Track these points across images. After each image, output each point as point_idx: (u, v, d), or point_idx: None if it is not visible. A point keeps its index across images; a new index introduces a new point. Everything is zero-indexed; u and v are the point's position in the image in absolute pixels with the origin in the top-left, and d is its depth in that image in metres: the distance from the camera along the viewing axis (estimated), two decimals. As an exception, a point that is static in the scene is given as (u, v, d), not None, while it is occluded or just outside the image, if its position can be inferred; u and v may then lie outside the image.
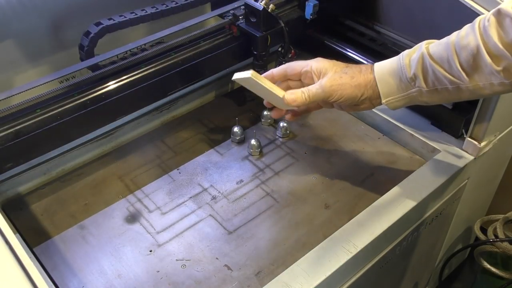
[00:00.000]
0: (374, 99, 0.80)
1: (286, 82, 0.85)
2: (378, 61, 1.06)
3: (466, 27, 0.71)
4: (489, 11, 0.86)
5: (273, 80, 0.84)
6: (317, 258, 0.76)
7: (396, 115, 1.02)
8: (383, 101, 0.79)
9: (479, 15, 0.87)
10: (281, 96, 0.81)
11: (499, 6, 0.67)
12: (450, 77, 0.72)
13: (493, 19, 0.67)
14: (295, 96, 0.79)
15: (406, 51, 0.77)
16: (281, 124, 1.01)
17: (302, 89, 0.80)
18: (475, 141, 0.94)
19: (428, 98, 0.76)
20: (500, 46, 0.66)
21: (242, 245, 0.82)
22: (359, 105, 0.81)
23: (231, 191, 0.91)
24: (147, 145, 1.01)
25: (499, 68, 0.68)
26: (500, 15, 0.67)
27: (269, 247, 0.81)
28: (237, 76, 0.82)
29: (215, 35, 1.02)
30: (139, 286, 0.76)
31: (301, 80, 0.84)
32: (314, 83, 0.81)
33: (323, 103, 0.84)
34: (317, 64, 0.81)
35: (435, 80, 0.73)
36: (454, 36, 0.72)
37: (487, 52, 0.68)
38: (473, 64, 0.70)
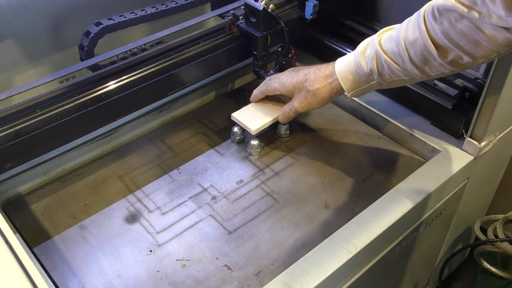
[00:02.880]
0: (341, 93, 0.88)
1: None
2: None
3: (414, 18, 0.73)
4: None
5: (258, 100, 1.01)
6: (317, 258, 0.76)
7: (396, 115, 1.02)
8: (348, 95, 0.86)
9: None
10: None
11: (441, 1, 0.68)
12: (404, 70, 0.75)
13: (438, 12, 0.68)
14: (283, 118, 0.97)
15: (360, 47, 0.81)
16: (281, 124, 1.01)
17: (284, 110, 0.96)
18: (475, 141, 0.94)
19: (388, 86, 0.82)
20: (446, 40, 0.68)
21: (242, 245, 0.82)
22: None
23: (231, 191, 0.91)
24: (147, 145, 1.01)
25: (447, 60, 0.70)
26: (445, 9, 0.67)
27: (269, 247, 0.81)
28: (237, 118, 0.98)
29: (215, 35, 1.02)
30: (139, 286, 0.76)
31: None
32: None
33: None
34: (281, 87, 0.93)
35: (391, 73, 0.77)
36: (403, 28, 0.74)
37: (434, 46, 0.70)
38: (422, 59, 0.72)
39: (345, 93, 0.86)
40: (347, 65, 0.83)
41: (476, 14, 0.64)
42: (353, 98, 0.87)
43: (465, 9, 0.65)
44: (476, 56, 0.68)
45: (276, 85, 0.94)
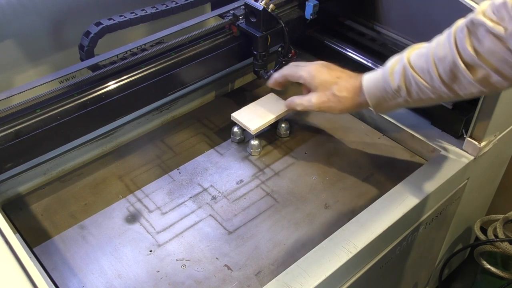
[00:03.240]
0: (364, 108, 0.86)
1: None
2: (378, 61, 1.07)
3: (445, 35, 0.71)
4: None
5: (277, 84, 0.95)
6: (317, 258, 0.76)
7: (396, 115, 1.02)
8: (374, 111, 0.83)
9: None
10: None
11: (471, 16, 0.67)
12: (432, 88, 0.73)
13: (466, 29, 0.67)
14: (290, 104, 0.93)
15: (390, 62, 0.79)
16: (281, 124, 1.01)
17: (298, 101, 0.91)
18: (475, 141, 0.94)
19: (415, 104, 0.79)
20: (476, 57, 0.66)
21: (242, 245, 0.82)
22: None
23: (231, 191, 0.91)
24: (147, 145, 1.01)
25: (476, 78, 0.68)
26: (473, 25, 0.66)
27: (269, 247, 0.81)
28: (237, 118, 0.98)
29: (215, 35, 1.02)
30: (139, 286, 0.76)
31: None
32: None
33: None
34: (308, 77, 0.89)
35: (419, 91, 0.75)
36: (433, 45, 0.73)
37: (464, 63, 0.68)
38: (451, 76, 0.70)
39: (370, 108, 0.83)
40: (375, 80, 0.80)
41: (503, 30, 0.63)
42: (379, 114, 0.85)
43: (492, 25, 0.64)
44: (506, 75, 0.66)
45: (303, 74, 0.89)
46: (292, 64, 0.94)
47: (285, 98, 1.01)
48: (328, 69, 0.88)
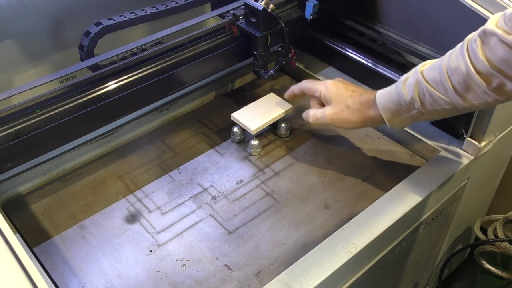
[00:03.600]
0: (378, 123, 0.86)
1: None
2: (378, 61, 1.07)
3: (457, 48, 0.72)
4: (488, 10, 0.87)
5: (293, 96, 0.97)
6: (317, 258, 0.76)
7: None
8: (389, 125, 0.83)
9: (478, 15, 0.88)
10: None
11: (483, 27, 0.68)
12: (446, 99, 0.74)
13: (479, 39, 0.68)
14: (305, 116, 0.93)
15: (403, 77, 0.80)
16: (281, 124, 1.01)
17: (312, 113, 0.91)
18: (475, 141, 0.94)
19: (430, 117, 0.79)
20: (489, 66, 0.67)
21: (242, 245, 0.82)
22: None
23: (231, 191, 0.91)
24: (147, 145, 1.01)
25: (491, 87, 0.69)
26: (485, 35, 0.67)
27: (269, 247, 0.81)
28: (237, 118, 0.98)
29: (215, 35, 1.01)
30: (139, 286, 0.76)
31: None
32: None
33: None
34: (324, 90, 0.89)
35: (433, 102, 0.75)
36: (446, 58, 0.73)
37: (478, 73, 0.69)
38: (465, 86, 0.71)
39: (385, 123, 0.84)
40: (389, 94, 0.81)
41: None
42: (394, 128, 0.85)
43: (505, 35, 0.64)
44: None
45: (320, 87, 0.90)
46: (308, 80, 0.96)
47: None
48: (344, 84, 0.89)
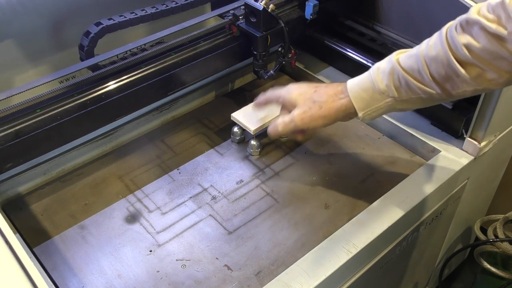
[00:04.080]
0: (349, 116, 0.80)
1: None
2: (378, 61, 1.06)
3: (435, 36, 0.71)
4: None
5: (260, 106, 0.92)
6: (317, 258, 0.76)
7: (396, 115, 1.02)
8: (360, 114, 0.78)
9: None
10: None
11: (465, 15, 0.67)
12: (423, 87, 0.72)
13: (460, 28, 0.67)
14: (273, 129, 0.86)
15: (376, 65, 0.78)
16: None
17: (280, 120, 0.85)
18: (475, 141, 0.94)
19: (403, 106, 0.77)
20: (469, 55, 0.66)
21: (242, 245, 0.82)
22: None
23: (231, 191, 0.91)
24: (147, 145, 1.01)
25: (471, 76, 0.68)
26: (467, 24, 0.66)
27: (269, 247, 0.81)
28: (237, 118, 0.98)
29: (215, 35, 1.02)
30: (139, 286, 0.76)
31: None
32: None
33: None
34: (287, 95, 0.85)
35: (409, 90, 0.74)
36: (423, 46, 0.72)
37: (458, 62, 0.68)
38: (444, 75, 0.70)
39: (357, 116, 0.79)
40: (361, 81, 0.78)
41: (500, 29, 0.63)
42: (364, 120, 0.80)
43: (488, 23, 0.63)
44: (501, 71, 0.66)
45: (282, 92, 0.86)
46: (272, 87, 0.92)
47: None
48: (306, 83, 0.85)
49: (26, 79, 1.03)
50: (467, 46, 0.66)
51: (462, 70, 0.68)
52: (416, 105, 0.77)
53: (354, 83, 0.78)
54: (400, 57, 0.75)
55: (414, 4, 1.03)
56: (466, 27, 0.66)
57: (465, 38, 0.66)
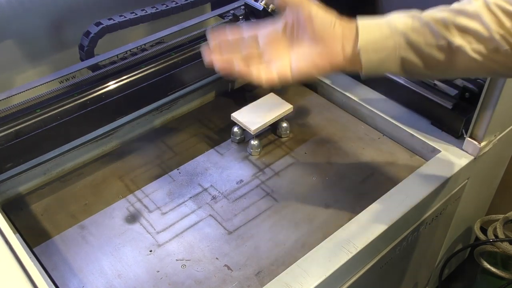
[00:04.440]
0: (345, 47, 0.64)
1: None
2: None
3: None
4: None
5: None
6: (317, 258, 0.76)
7: (396, 115, 1.02)
8: (360, 44, 0.63)
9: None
10: None
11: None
12: (444, 30, 0.60)
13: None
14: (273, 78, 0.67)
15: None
16: (281, 124, 1.01)
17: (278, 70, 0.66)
18: (475, 141, 0.94)
19: (412, 55, 0.62)
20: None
21: (242, 245, 0.82)
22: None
23: (231, 191, 0.91)
24: (147, 145, 1.01)
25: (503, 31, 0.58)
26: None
27: (269, 247, 0.81)
28: (237, 118, 0.96)
29: (215, 35, 1.01)
30: (139, 286, 0.76)
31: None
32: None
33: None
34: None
35: (427, 28, 0.61)
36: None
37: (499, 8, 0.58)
38: (469, 26, 0.60)
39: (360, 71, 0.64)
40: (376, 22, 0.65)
41: None
42: (367, 74, 0.64)
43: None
44: None
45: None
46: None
47: (285, 98, 1.01)
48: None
49: (26, 79, 1.03)
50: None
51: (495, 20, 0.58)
52: (428, 56, 0.62)
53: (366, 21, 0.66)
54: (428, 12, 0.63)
55: (414, 4, 1.03)
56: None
57: None
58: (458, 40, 0.60)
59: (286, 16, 0.66)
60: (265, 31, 0.67)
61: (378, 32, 0.64)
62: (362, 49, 0.63)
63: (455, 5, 0.62)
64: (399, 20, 0.63)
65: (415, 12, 0.64)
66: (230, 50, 0.67)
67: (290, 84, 0.66)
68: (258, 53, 0.67)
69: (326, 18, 0.65)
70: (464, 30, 0.60)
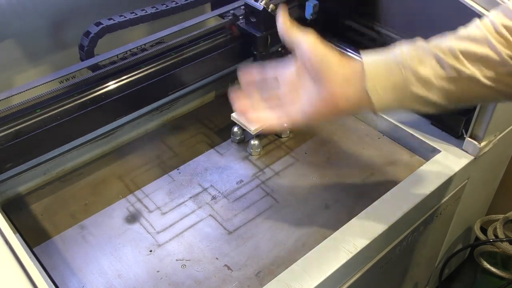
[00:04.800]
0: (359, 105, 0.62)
1: None
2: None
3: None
4: (489, 11, 0.86)
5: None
6: (317, 258, 0.76)
7: (396, 115, 1.02)
8: (368, 85, 0.60)
9: (479, 15, 0.87)
10: None
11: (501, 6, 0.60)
12: (452, 60, 0.59)
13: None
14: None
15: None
16: (281, 124, 1.01)
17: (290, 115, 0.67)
18: (475, 141, 0.94)
19: (421, 89, 0.61)
20: None
21: (242, 245, 0.82)
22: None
23: (231, 191, 0.91)
24: (147, 145, 1.01)
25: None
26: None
27: (269, 247, 0.81)
28: (237, 118, 0.95)
29: (215, 35, 1.01)
30: (139, 286, 0.76)
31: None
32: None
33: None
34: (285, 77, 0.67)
35: (435, 60, 0.60)
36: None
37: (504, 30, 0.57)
38: (478, 53, 0.59)
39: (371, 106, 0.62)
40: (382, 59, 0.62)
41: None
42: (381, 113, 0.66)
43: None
44: None
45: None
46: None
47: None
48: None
49: (26, 79, 1.03)
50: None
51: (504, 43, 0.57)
52: (443, 86, 0.60)
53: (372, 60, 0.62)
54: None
55: (414, 4, 1.03)
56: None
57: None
58: (468, 69, 0.59)
59: (297, 56, 0.64)
60: (284, 71, 0.67)
61: (385, 71, 0.61)
62: (371, 90, 0.61)
63: (461, 32, 0.61)
64: (405, 54, 0.61)
65: (420, 43, 0.62)
66: (254, 91, 0.68)
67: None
68: (277, 95, 0.67)
69: (325, 57, 0.62)
70: (473, 58, 0.59)
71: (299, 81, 0.65)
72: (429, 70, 0.60)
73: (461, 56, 0.59)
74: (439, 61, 0.60)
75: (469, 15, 0.89)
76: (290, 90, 0.66)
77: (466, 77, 0.59)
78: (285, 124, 0.66)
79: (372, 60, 0.62)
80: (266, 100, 0.67)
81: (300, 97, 0.65)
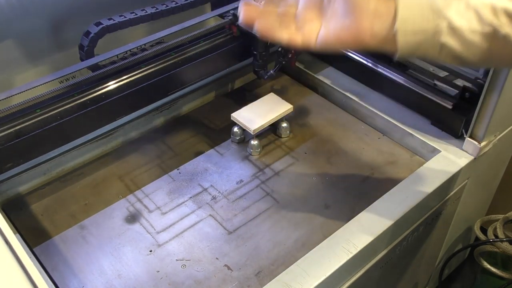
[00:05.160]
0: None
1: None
2: (378, 61, 1.06)
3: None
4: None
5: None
6: (317, 258, 0.76)
7: (396, 115, 1.02)
8: (398, 25, 0.56)
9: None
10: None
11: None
12: (492, 16, 0.55)
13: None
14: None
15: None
16: (281, 124, 1.01)
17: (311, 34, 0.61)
18: (475, 141, 0.94)
19: (454, 40, 0.57)
20: None
21: (242, 245, 0.82)
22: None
23: (231, 191, 0.91)
24: (147, 145, 1.01)
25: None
26: None
27: (269, 247, 0.81)
28: (237, 118, 0.96)
29: (215, 35, 1.02)
30: (139, 286, 0.76)
31: None
32: None
33: None
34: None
35: (473, 12, 0.56)
36: None
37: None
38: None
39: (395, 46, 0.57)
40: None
41: None
42: (401, 55, 0.59)
43: None
44: None
45: None
46: None
47: (285, 98, 1.01)
48: None
49: (26, 79, 1.03)
50: None
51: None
52: (472, 40, 0.57)
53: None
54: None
55: None
56: None
57: None
58: (505, 28, 0.55)
59: None
60: None
61: (419, 13, 0.57)
62: (400, 31, 0.57)
63: None
64: (443, 1, 0.57)
65: None
66: (268, 3, 0.63)
67: (312, 51, 0.61)
68: (294, 13, 0.62)
69: None
70: None
71: (322, 5, 0.61)
72: (464, 21, 0.56)
73: (502, 13, 0.55)
74: (477, 14, 0.56)
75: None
76: (311, 7, 0.61)
77: (501, 36, 0.55)
78: (295, 44, 0.61)
79: (408, 1, 0.57)
80: (280, 16, 0.62)
81: (320, 18, 0.60)
